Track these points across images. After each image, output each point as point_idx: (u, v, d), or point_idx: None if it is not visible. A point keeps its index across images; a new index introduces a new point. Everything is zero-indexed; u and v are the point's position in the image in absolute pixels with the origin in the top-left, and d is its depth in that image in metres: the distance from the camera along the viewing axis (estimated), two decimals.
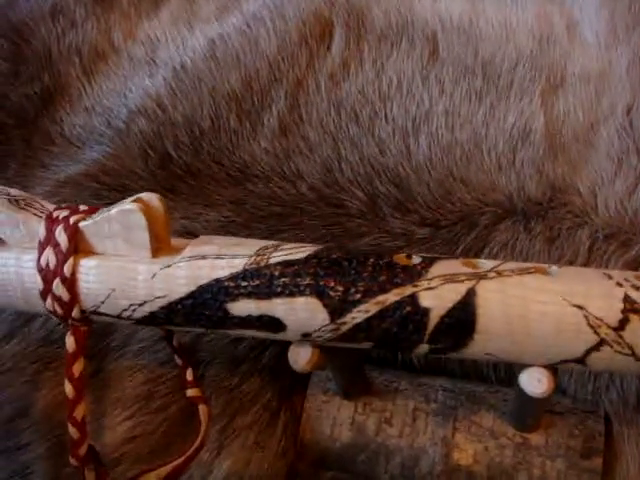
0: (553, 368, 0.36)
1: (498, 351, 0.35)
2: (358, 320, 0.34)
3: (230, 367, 0.46)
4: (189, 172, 0.54)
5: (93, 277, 0.38)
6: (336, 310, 0.34)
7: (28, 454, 0.46)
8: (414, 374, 0.48)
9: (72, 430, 0.38)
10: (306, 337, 0.36)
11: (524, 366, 0.36)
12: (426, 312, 0.34)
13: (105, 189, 0.53)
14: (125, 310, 0.38)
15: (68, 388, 0.38)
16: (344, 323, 0.34)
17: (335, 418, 0.46)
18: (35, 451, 0.46)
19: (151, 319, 0.38)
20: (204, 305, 0.36)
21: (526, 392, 0.35)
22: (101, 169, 0.54)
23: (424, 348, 0.35)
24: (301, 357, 0.37)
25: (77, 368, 0.38)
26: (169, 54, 0.59)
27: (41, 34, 0.61)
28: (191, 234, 0.51)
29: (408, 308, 0.34)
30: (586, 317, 0.33)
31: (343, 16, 0.59)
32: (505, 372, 0.47)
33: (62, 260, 0.37)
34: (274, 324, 0.36)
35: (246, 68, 0.56)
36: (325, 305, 0.34)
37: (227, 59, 0.57)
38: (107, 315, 0.39)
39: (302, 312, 0.35)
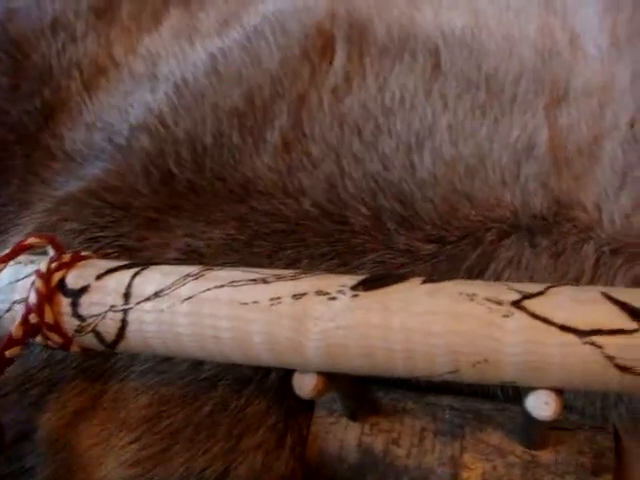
0: (559, 390, 0.35)
1: None
2: None
3: (236, 388, 0.46)
4: (192, 189, 0.53)
5: None
6: None
7: (33, 478, 0.45)
8: (420, 393, 0.47)
9: None
10: None
11: (530, 388, 0.36)
12: None
13: (107, 207, 0.52)
14: None
15: None
16: None
17: (342, 439, 0.46)
18: (39, 475, 0.45)
19: None
20: None
21: (533, 415, 0.35)
22: (102, 186, 0.53)
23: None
24: (306, 384, 0.37)
25: None
26: (170, 69, 0.59)
27: (41, 48, 0.60)
28: (194, 252, 0.50)
29: None
30: None
31: (345, 29, 0.59)
32: (512, 390, 0.47)
33: None
34: None
35: (248, 83, 0.56)
36: None
37: (229, 74, 0.56)
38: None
39: None
